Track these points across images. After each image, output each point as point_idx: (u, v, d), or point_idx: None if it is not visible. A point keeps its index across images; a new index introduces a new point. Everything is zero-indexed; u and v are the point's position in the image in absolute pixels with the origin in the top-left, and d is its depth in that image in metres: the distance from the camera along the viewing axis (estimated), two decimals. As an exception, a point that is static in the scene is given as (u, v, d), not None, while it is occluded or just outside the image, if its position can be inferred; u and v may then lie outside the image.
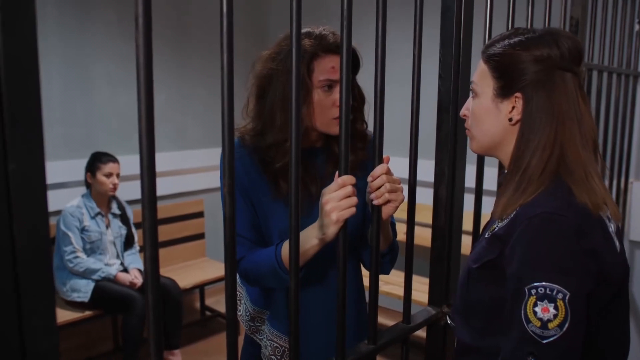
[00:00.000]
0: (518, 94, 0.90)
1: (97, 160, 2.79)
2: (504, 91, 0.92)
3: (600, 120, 2.16)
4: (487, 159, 1.34)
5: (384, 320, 3.25)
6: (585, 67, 1.90)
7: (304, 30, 1.17)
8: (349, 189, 0.98)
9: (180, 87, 3.62)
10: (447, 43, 1.19)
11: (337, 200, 0.97)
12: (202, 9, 3.65)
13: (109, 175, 2.78)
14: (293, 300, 0.90)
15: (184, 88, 3.65)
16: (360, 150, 1.22)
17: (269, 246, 1.16)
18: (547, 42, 0.89)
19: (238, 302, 1.34)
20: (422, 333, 1.37)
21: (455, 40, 1.18)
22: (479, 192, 1.34)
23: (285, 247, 1.10)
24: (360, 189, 1.06)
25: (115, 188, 2.81)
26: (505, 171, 0.97)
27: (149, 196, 0.65)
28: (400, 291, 2.83)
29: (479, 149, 1.00)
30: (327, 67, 1.14)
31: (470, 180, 1.33)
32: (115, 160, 2.83)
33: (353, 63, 1.20)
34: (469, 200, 1.33)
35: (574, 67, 0.90)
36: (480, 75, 0.96)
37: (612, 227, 0.89)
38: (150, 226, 0.66)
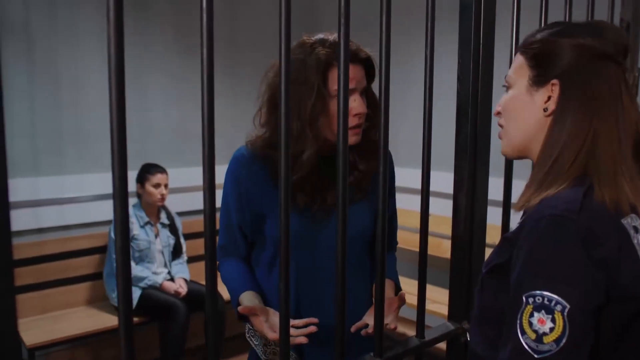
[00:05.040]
0: (555, 81, 0.84)
1: (145, 172, 2.90)
2: (539, 79, 0.86)
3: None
4: (515, 170, 1.26)
5: (408, 331, 3.14)
6: (640, 74, 1.76)
7: (317, 37, 1.16)
8: None
9: (234, 103, 3.71)
10: (466, 44, 1.14)
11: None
12: (255, 26, 3.74)
13: (157, 185, 2.87)
14: (283, 307, 0.87)
15: (237, 104, 3.73)
16: (373, 160, 1.19)
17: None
18: (589, 31, 0.83)
19: None
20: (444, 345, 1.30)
21: (474, 41, 1.13)
22: (507, 204, 1.26)
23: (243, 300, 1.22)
24: (374, 195, 1.04)
25: (163, 198, 2.90)
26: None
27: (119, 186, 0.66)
28: (415, 300, 2.73)
29: (510, 148, 0.93)
30: None
31: (497, 193, 1.25)
32: (163, 171, 2.93)
33: (369, 71, 1.17)
34: (497, 213, 1.26)
35: (618, 58, 0.83)
36: (516, 67, 0.90)
37: (639, 239, 0.79)
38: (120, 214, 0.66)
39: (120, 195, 0.66)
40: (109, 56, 0.63)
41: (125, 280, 0.68)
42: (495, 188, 1.27)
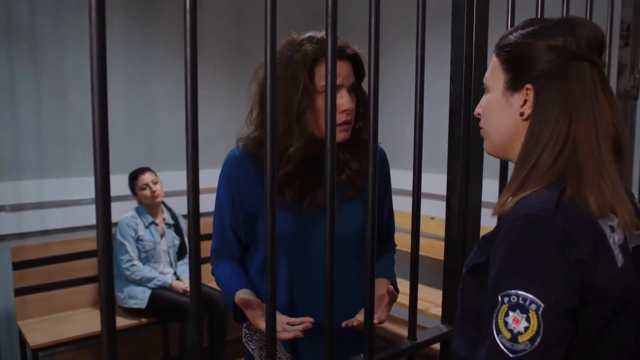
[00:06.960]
0: (529, 86, 0.84)
1: (132, 180, 2.94)
2: (514, 83, 0.86)
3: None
4: (510, 172, 1.25)
5: (403, 331, 3.13)
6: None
7: (305, 35, 1.17)
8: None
9: (238, 105, 3.73)
10: (458, 45, 1.14)
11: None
12: (262, 30, 3.76)
13: (144, 187, 2.91)
14: (269, 307, 0.87)
15: (241, 106, 3.75)
16: (365, 159, 1.19)
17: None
18: (562, 30, 0.82)
19: None
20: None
21: (466, 42, 1.13)
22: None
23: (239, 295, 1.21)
24: (367, 194, 1.04)
25: (155, 196, 2.92)
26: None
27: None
28: (422, 304, 2.74)
29: (492, 148, 0.94)
30: None
31: (492, 195, 1.25)
32: (145, 171, 2.94)
33: (358, 70, 1.18)
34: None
35: (592, 57, 0.82)
36: (492, 70, 0.90)
37: (615, 238, 0.78)
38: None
39: (102, 194, 0.66)
40: (91, 56, 0.64)
41: (107, 282, 0.69)
42: (490, 190, 1.27)
